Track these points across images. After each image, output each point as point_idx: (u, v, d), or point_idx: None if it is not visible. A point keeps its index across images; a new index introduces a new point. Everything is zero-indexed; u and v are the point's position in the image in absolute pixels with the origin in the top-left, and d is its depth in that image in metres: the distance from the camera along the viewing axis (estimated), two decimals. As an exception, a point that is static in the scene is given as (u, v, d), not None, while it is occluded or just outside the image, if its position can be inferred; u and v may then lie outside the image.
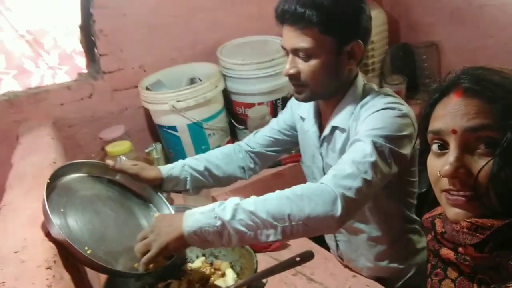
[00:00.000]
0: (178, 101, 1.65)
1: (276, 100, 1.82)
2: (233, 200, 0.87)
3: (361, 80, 1.11)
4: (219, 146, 1.80)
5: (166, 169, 1.17)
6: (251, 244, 1.30)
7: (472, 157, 0.61)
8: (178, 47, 1.88)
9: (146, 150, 1.80)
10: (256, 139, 1.31)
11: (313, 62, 1.02)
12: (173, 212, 1.07)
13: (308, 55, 1.02)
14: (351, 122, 1.06)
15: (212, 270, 1.03)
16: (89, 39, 1.74)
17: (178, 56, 1.88)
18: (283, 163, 1.74)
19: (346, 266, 1.28)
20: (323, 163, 1.18)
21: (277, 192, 0.89)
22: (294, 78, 1.06)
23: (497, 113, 0.59)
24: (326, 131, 1.13)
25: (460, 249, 0.67)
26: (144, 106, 1.77)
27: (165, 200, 1.11)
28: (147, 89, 1.74)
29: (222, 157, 1.27)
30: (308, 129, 1.20)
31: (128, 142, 1.63)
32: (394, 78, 2.04)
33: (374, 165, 0.91)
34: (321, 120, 1.18)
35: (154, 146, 1.81)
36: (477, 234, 0.63)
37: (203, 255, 1.09)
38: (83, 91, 1.74)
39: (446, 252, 0.70)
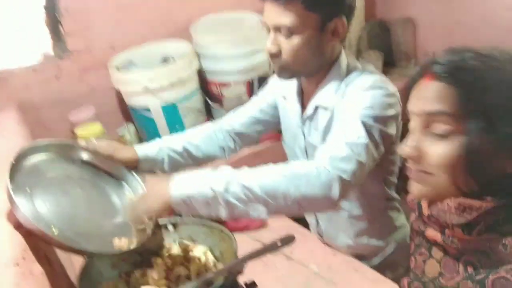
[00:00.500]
0: (151, 82, 1.59)
1: (252, 78, 1.78)
2: (226, 170, 0.85)
3: (344, 58, 1.07)
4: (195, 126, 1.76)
5: (143, 150, 1.12)
6: (230, 225, 1.30)
7: (429, 139, 0.62)
8: (148, 24, 1.80)
9: (119, 132, 1.75)
10: (237, 118, 1.27)
11: (295, 40, 0.99)
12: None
13: (290, 32, 0.98)
14: (336, 101, 1.04)
15: (191, 254, 1.00)
16: (54, 16, 1.65)
17: (149, 34, 1.81)
18: (261, 142, 1.72)
19: (325, 244, 1.28)
20: (305, 142, 1.16)
21: (272, 167, 0.87)
22: (276, 55, 1.02)
23: (459, 101, 0.59)
24: (309, 110, 1.10)
25: (447, 231, 0.66)
26: (114, 86, 1.70)
27: (140, 180, 1.07)
28: (117, 69, 1.67)
29: (202, 137, 1.23)
30: (290, 108, 1.18)
31: (98, 124, 1.58)
32: (371, 54, 2.03)
33: (367, 147, 0.91)
34: (303, 98, 1.15)
35: (126, 128, 1.76)
36: (465, 215, 0.62)
37: (181, 239, 1.05)
38: (49, 71, 1.66)
39: (432, 233, 0.70)
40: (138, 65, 1.70)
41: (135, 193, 1.03)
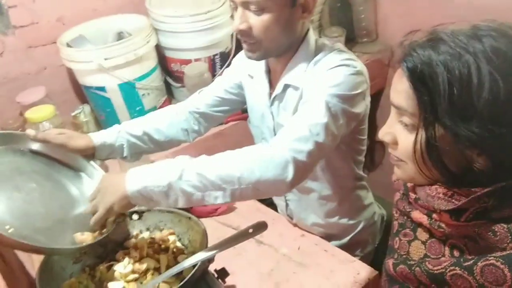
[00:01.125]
0: (105, 59, 1.49)
1: (214, 55, 1.71)
2: (181, 159, 0.83)
3: (312, 35, 1.05)
4: (155, 106, 1.68)
5: (99, 137, 1.06)
6: (197, 210, 1.26)
7: (400, 128, 0.65)
8: (100, -4, 1.68)
9: (73, 114, 1.65)
10: (201, 99, 1.22)
11: (266, 16, 0.94)
12: None
13: (260, 9, 0.93)
14: (305, 80, 1.01)
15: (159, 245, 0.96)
16: (-7, -13, 1.50)
17: (101, 7, 1.68)
18: (225, 122, 1.67)
19: (295, 225, 1.28)
20: (274, 123, 1.13)
21: (227, 152, 0.85)
22: (245, 34, 0.97)
23: (419, 106, 0.60)
24: (278, 89, 1.07)
25: (434, 215, 0.66)
26: (66, 65, 1.58)
27: (99, 168, 1.00)
28: (68, 45, 1.55)
29: (163, 119, 1.17)
30: (257, 87, 1.14)
31: (50, 105, 1.47)
32: (333, 30, 2.00)
33: (326, 126, 0.88)
34: (270, 78, 1.12)
35: (81, 109, 1.66)
36: (453, 200, 0.62)
37: (147, 229, 1.01)
38: (-8, 49, 1.52)
39: (418, 215, 0.70)
40: (90, 41, 1.59)
41: (95, 182, 0.96)
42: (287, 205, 1.28)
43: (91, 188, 0.91)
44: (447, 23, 0.62)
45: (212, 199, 0.81)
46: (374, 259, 1.31)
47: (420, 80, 0.59)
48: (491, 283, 0.57)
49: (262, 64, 1.11)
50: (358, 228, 1.25)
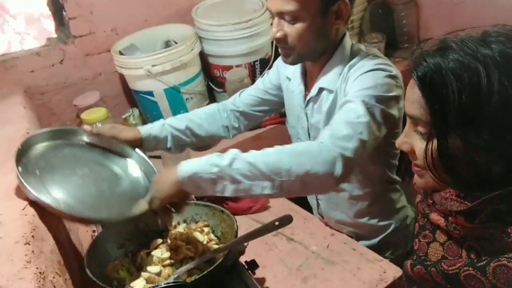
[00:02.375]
0: (153, 66, 1.61)
1: (254, 62, 1.79)
2: (232, 151, 0.87)
3: (348, 40, 1.09)
4: (198, 110, 1.78)
5: (145, 129, 1.16)
6: (233, 207, 1.33)
7: (416, 136, 0.65)
8: (151, 8, 1.81)
9: (123, 116, 1.78)
10: (242, 99, 1.29)
11: (299, 25, 1.00)
12: (152, 164, 1.08)
13: (294, 18, 1.00)
14: (340, 84, 1.06)
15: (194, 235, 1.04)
16: (56, 1, 1.66)
17: (151, 18, 1.82)
18: (263, 126, 1.74)
19: (326, 225, 1.31)
20: (308, 124, 1.18)
21: (277, 147, 0.88)
22: (281, 41, 1.05)
23: (430, 115, 0.61)
24: (313, 91, 1.12)
25: (450, 218, 0.68)
26: (118, 71, 1.72)
27: (145, 156, 1.10)
28: (121, 53, 1.68)
29: (205, 116, 1.26)
30: (293, 89, 1.19)
31: (103, 108, 1.60)
32: (373, 36, 2.02)
33: (368, 125, 0.92)
34: (307, 80, 1.17)
35: (131, 112, 1.79)
36: (465, 202, 0.63)
37: (184, 221, 1.09)
38: (54, 56, 1.68)
39: (436, 217, 0.71)
40: (141, 49, 1.72)
41: (142, 168, 1.08)
42: (318, 204, 1.32)
43: (136, 170, 1.04)
44: (458, 31, 0.64)
45: (260, 190, 0.84)
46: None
47: (430, 89, 0.59)
48: (503, 283, 0.57)
49: (299, 67, 1.17)
50: (389, 230, 1.26)
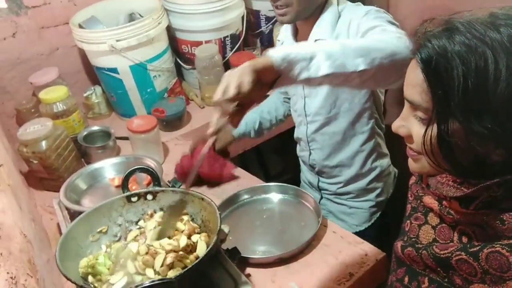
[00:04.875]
0: (117, 40, 1.50)
1: (225, 37, 1.71)
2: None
3: None
4: (166, 88, 1.69)
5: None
6: (204, 174, 1.27)
7: (414, 121, 0.63)
8: (112, -23, 1.68)
9: (85, 94, 1.68)
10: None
11: None
12: None
13: None
14: (337, 32, 1.14)
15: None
16: (5, -33, 1.50)
17: (112, -12, 1.69)
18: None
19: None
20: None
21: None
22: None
23: (432, 101, 0.58)
24: None
25: (444, 202, 0.67)
26: (78, 45, 1.59)
27: None
28: (80, 26, 1.56)
29: (272, 104, 1.46)
30: None
31: (63, 86, 1.49)
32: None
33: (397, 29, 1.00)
34: (298, 40, 1.24)
35: (93, 90, 1.69)
36: (462, 188, 0.62)
37: (161, 209, 1.03)
38: (5, 29, 1.53)
39: (429, 201, 0.70)
40: (102, 22, 1.59)
41: None
42: (310, 153, 1.39)
43: None
44: (464, 11, 0.60)
45: (353, 66, 0.82)
46: (383, 215, 1.43)
47: (434, 73, 0.57)
48: (496, 270, 0.57)
49: (289, 28, 1.26)
50: (376, 172, 1.36)
